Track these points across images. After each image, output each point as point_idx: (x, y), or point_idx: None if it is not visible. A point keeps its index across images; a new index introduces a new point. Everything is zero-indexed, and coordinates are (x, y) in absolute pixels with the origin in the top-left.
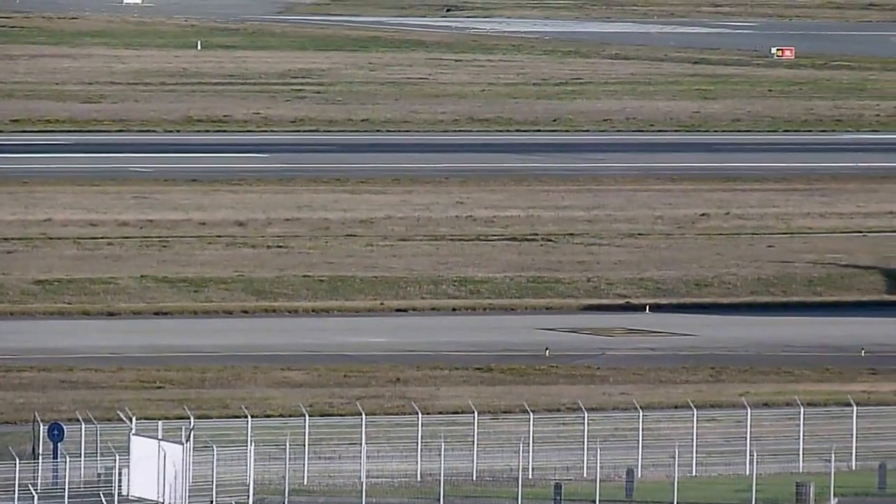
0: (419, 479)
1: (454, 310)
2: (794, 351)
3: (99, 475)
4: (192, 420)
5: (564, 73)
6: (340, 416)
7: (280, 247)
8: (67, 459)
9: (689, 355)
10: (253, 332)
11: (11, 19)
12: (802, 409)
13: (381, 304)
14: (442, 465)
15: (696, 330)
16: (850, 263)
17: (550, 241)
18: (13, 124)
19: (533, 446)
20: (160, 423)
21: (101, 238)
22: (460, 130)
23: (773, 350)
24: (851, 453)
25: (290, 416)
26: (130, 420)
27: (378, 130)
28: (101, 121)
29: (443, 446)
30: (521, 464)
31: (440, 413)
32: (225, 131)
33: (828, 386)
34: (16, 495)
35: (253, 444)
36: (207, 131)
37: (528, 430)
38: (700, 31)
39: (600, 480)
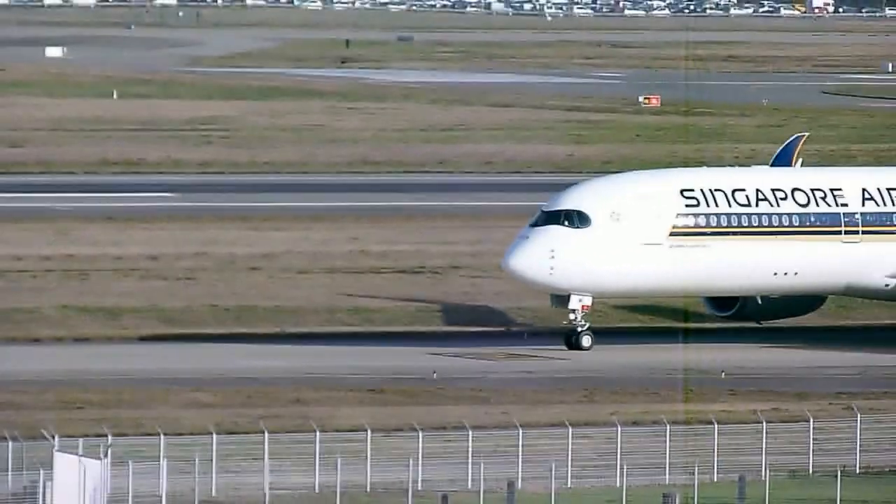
0: (317, 490)
1: (349, 336)
2: (659, 374)
3: (24, 488)
4: (109, 438)
5: (450, 119)
6: (245, 433)
7: (189, 279)
8: None
9: (565, 377)
10: (165, 357)
11: None
12: (668, 427)
13: (282, 331)
14: (338, 479)
15: (570, 354)
16: None
17: (437, 273)
18: None
19: (422, 461)
20: (81, 440)
21: (25, 271)
22: (355, 172)
23: (642, 373)
24: (713, 467)
25: (199, 434)
26: (53, 438)
27: (279, 172)
28: (26, 163)
29: (339, 461)
30: (410, 476)
31: (336, 431)
32: (139, 173)
33: (691, 405)
34: None
35: (165, 459)
36: (123, 173)
37: (418, 447)
38: (573, 80)
39: (484, 492)
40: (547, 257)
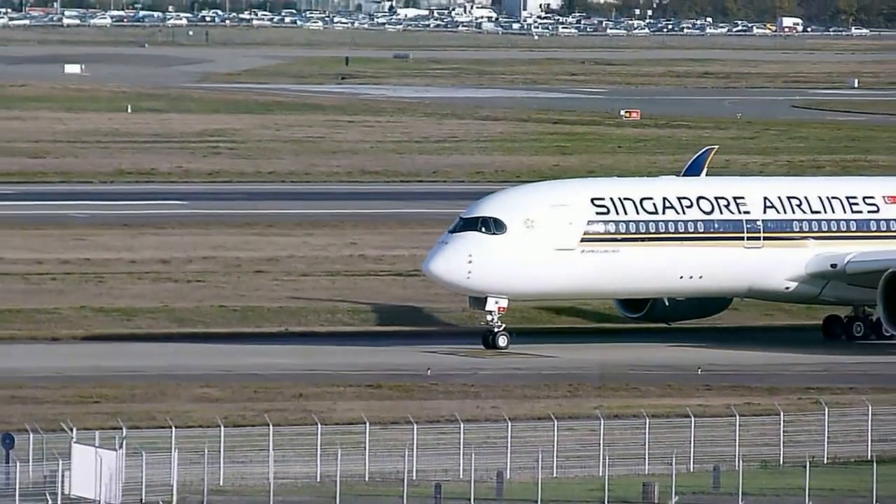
0: (318, 480)
1: (348, 335)
2: (640, 370)
3: (45, 477)
4: (124, 430)
5: (442, 132)
6: (251, 426)
7: (198, 281)
8: (17, 464)
9: (550, 374)
10: (175, 354)
11: None
12: (648, 420)
13: (285, 330)
14: (338, 469)
15: (555, 353)
16: None
17: None
18: None
19: (416, 452)
20: (97, 432)
21: (46, 274)
22: (353, 181)
23: (622, 369)
24: (690, 458)
25: (207, 426)
26: (71, 430)
27: (282, 181)
28: (46, 173)
29: (339, 452)
30: (406, 467)
31: (336, 424)
32: (151, 182)
33: (669, 400)
34: None
35: (176, 450)
36: (136, 182)
37: (413, 439)
38: (559, 96)
39: (474, 481)
40: (465, 262)
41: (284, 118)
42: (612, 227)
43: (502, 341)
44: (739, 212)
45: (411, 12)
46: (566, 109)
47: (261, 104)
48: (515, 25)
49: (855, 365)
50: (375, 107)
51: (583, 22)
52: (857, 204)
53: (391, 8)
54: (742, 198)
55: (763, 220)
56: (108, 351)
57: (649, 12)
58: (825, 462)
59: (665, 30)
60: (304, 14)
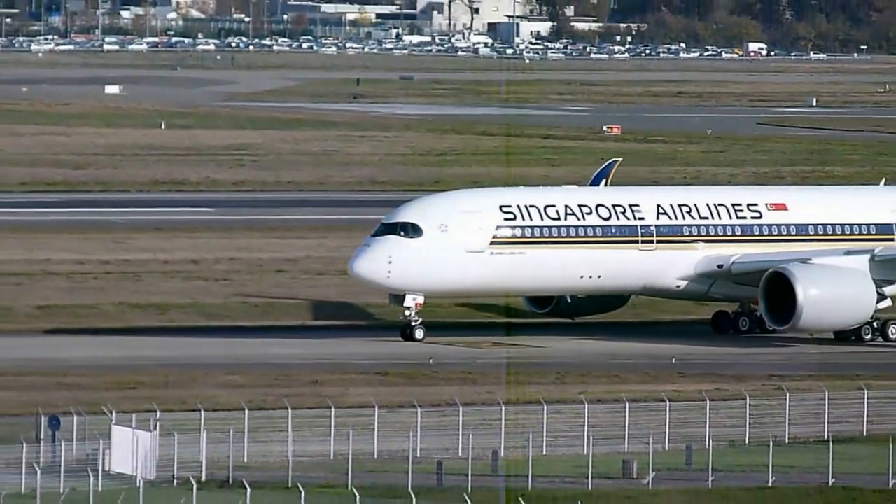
0: (332, 458)
1: (359, 328)
2: (620, 360)
3: (87, 455)
4: (158, 413)
5: (443, 145)
6: (271, 409)
7: (225, 279)
8: (63, 444)
9: (540, 362)
10: (204, 345)
11: (19, 105)
12: (627, 404)
13: (303, 323)
14: (350, 448)
15: (544, 343)
16: None
17: None
18: (21, 185)
19: (420, 433)
20: (134, 415)
21: (88, 273)
22: (364, 190)
23: (604, 359)
24: (665, 438)
25: (232, 410)
26: (111, 413)
27: (300, 190)
28: (88, 183)
29: (350, 433)
30: (410, 446)
31: (348, 407)
32: (182, 191)
33: (647, 386)
34: (23, 471)
35: (205, 431)
36: (169, 191)
37: (417, 421)
38: (547, 113)
39: (472, 459)
40: (385, 262)
41: (302, 133)
42: (518, 232)
43: (419, 333)
44: (635, 218)
45: (416, 39)
46: (554, 125)
47: (281, 121)
48: (509, 51)
49: (814, 355)
50: (384, 123)
51: (569, 47)
52: (741, 211)
53: (398, 35)
54: (637, 205)
55: (656, 226)
56: (144, 342)
57: (629, 39)
58: (786, 442)
59: (643, 54)
60: (319, 40)
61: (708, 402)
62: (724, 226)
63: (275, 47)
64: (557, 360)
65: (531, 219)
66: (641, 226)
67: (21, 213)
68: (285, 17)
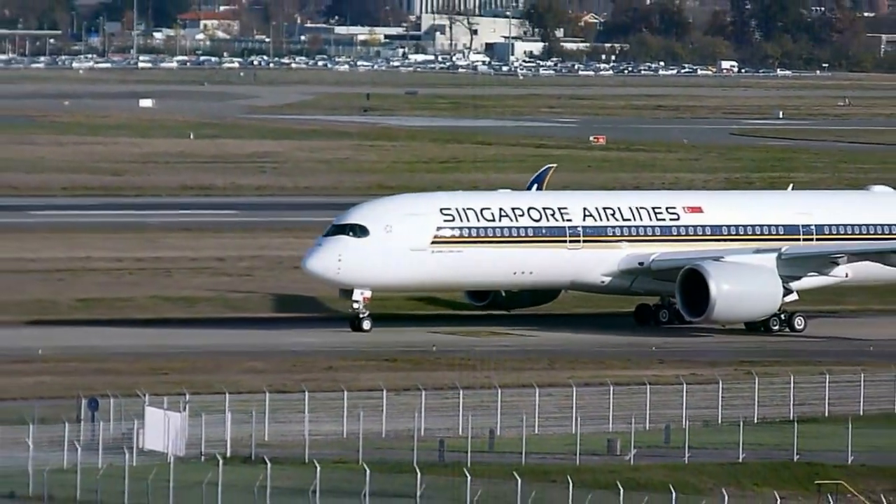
0: (345, 436)
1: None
2: (605, 347)
3: (123, 434)
4: (187, 396)
5: (445, 154)
6: (290, 392)
7: (248, 275)
8: (101, 423)
9: (533, 350)
10: (229, 335)
11: (62, 117)
12: (612, 388)
13: (318, 315)
14: (361, 427)
15: (536, 333)
16: None
17: None
18: (63, 190)
19: (424, 413)
20: (165, 398)
21: (124, 270)
22: (373, 194)
23: (590, 346)
24: (646, 418)
25: (254, 393)
26: (144, 396)
27: (316, 194)
28: (123, 188)
29: (361, 414)
30: (416, 425)
31: (359, 390)
32: (210, 195)
33: (629, 371)
34: (65, 448)
35: (229, 412)
36: (197, 195)
37: (421, 403)
38: (540, 124)
39: (471, 437)
40: (335, 260)
41: (317, 143)
42: (456, 232)
43: (366, 325)
44: (563, 220)
45: (420, 57)
46: (546, 136)
47: (298, 131)
48: (504, 68)
49: (778, 343)
50: (391, 133)
51: (559, 65)
52: (661, 213)
53: (404, 54)
54: (565, 208)
55: (582, 227)
56: (174, 332)
57: (613, 57)
58: (755, 422)
59: (626, 71)
60: (333, 59)
61: (685, 385)
62: (645, 227)
63: (293, 65)
64: (548, 348)
65: (469, 220)
66: (569, 227)
67: (63, 215)
68: (302, 37)
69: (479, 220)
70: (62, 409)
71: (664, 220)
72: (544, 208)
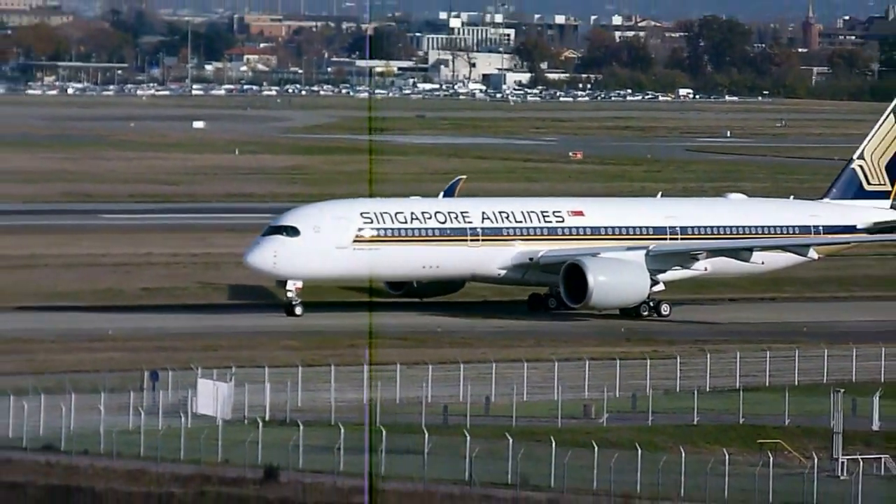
0: (365, 402)
1: (385, 304)
2: (581, 330)
3: (179, 401)
4: (233, 368)
5: (448, 166)
6: (318, 366)
7: None
8: (161, 392)
9: (522, 331)
10: (267, 316)
11: (128, 136)
12: (587, 362)
13: (342, 300)
14: (378, 395)
15: (524, 319)
16: None
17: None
18: (129, 197)
19: (431, 384)
20: (214, 370)
21: (179, 263)
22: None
23: (568, 329)
24: (616, 387)
25: (288, 366)
26: (197, 369)
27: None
28: (179, 196)
29: (378, 384)
30: (423, 393)
31: (377, 364)
32: (251, 202)
33: (602, 348)
34: (130, 413)
35: (268, 383)
36: (241, 202)
37: (428, 375)
38: (527, 142)
39: (470, 403)
40: (271, 256)
41: (341, 157)
42: (374, 232)
43: (298, 310)
44: (464, 222)
45: (427, 86)
46: (532, 151)
47: (325, 148)
48: (498, 95)
49: (731, 325)
50: (403, 150)
51: (543, 93)
52: (548, 216)
53: (414, 83)
54: (467, 212)
55: (481, 228)
56: (221, 316)
57: (589, 86)
58: (707, 390)
59: (599, 98)
60: (354, 87)
61: (648, 360)
62: (535, 228)
63: (321, 92)
64: (534, 330)
65: (385, 223)
66: (470, 228)
67: (129, 218)
68: (329, 69)
69: (393, 223)
70: (128, 380)
71: (551, 222)
72: (449, 212)
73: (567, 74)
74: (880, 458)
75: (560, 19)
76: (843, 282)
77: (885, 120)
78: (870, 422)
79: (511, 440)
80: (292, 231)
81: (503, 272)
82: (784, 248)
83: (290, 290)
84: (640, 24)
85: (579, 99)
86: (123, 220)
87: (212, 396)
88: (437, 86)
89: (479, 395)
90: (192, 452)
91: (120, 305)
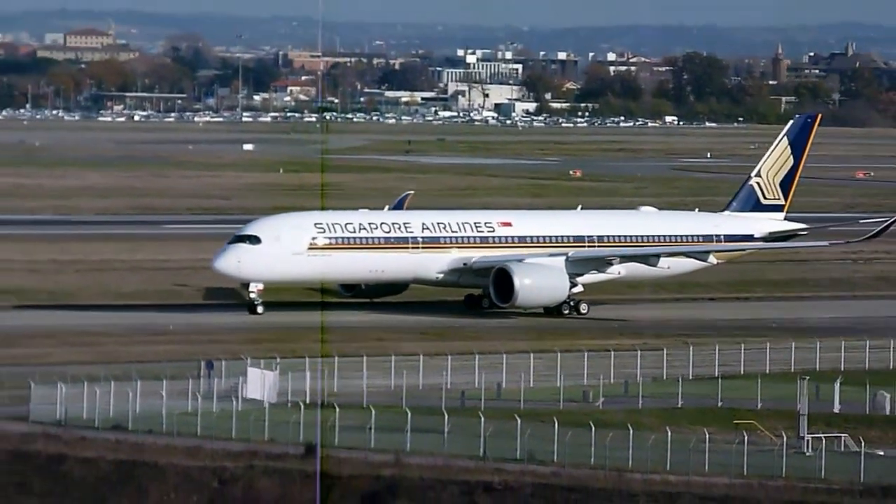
0: (392, 388)
1: (411, 303)
2: (584, 326)
3: (231, 387)
4: (278, 359)
5: (463, 183)
6: (352, 356)
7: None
8: (215, 379)
9: (528, 327)
10: (306, 315)
11: (187, 157)
12: (585, 353)
13: (371, 301)
14: (404, 382)
15: (533, 317)
16: None
17: None
18: (187, 210)
19: (450, 372)
20: (262, 360)
21: None
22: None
23: (571, 325)
24: (611, 375)
25: (326, 357)
26: (247, 359)
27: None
28: (231, 208)
29: (404, 373)
30: (444, 381)
31: (402, 355)
32: None
33: (598, 341)
34: (189, 398)
35: (308, 371)
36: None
37: (447, 364)
38: (533, 162)
39: (484, 388)
40: (235, 261)
41: (371, 175)
42: (326, 241)
43: (260, 309)
44: (406, 231)
45: (447, 113)
46: (537, 170)
47: (357, 167)
48: (508, 121)
49: (713, 320)
50: (425, 168)
51: (547, 119)
52: (480, 227)
53: (435, 111)
54: (409, 223)
55: (421, 237)
56: (268, 312)
57: (587, 113)
58: (690, 378)
59: (596, 123)
60: (383, 114)
61: (639, 351)
62: (469, 236)
63: (354, 119)
64: (538, 326)
65: (336, 232)
66: (410, 237)
67: (188, 228)
68: (361, 99)
69: (343, 232)
70: (186, 369)
71: (483, 231)
72: (392, 223)
73: (568, 103)
74: (840, 436)
75: (562, 55)
76: (745, 284)
77: (779, 142)
78: (831, 405)
79: (520, 421)
80: (254, 240)
81: (441, 276)
82: (687, 255)
83: (252, 292)
84: (631, 60)
85: (579, 125)
86: (182, 230)
87: (259, 383)
88: (455, 113)
89: (492, 381)
90: (242, 432)
91: (179, 304)
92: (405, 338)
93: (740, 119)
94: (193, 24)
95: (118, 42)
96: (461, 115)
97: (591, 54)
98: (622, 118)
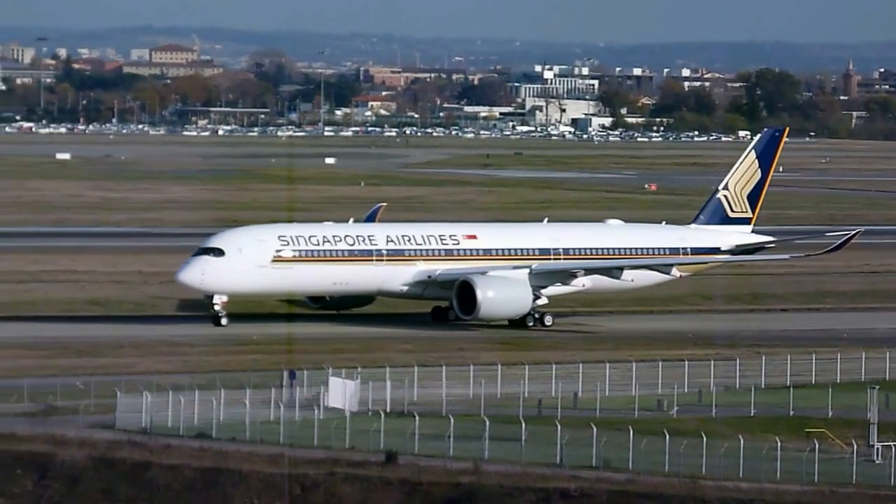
0: (471, 397)
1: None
2: (659, 336)
3: (314, 396)
4: (359, 368)
5: (540, 197)
6: (431, 366)
7: None
8: (297, 388)
9: (602, 337)
10: (387, 325)
11: (270, 170)
12: (660, 363)
13: (338, 312)
14: (482, 391)
15: (604, 324)
16: None
17: None
18: (268, 221)
19: (527, 381)
20: (343, 370)
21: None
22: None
23: (635, 334)
24: (685, 384)
25: (406, 366)
26: (328, 368)
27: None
28: (313, 220)
29: (482, 382)
30: (522, 390)
31: (481, 364)
32: None
33: (671, 351)
34: (272, 406)
35: (389, 380)
36: None
37: (525, 373)
38: (607, 175)
39: (560, 398)
40: (199, 274)
41: (451, 189)
42: (290, 253)
43: (224, 321)
44: (371, 244)
45: (524, 128)
46: (613, 184)
47: (437, 180)
48: (584, 136)
49: (785, 330)
50: (503, 182)
51: (623, 134)
52: (445, 239)
53: (513, 126)
54: (373, 235)
55: (386, 249)
56: (351, 324)
57: (662, 128)
58: (762, 387)
59: (670, 138)
60: (462, 129)
61: (712, 361)
62: (433, 249)
63: (434, 134)
64: (612, 335)
65: (300, 245)
66: (375, 250)
67: None
68: (441, 114)
69: (307, 245)
70: (269, 378)
71: (448, 244)
72: (357, 235)
73: (643, 118)
74: None
75: (637, 71)
76: (817, 295)
77: (746, 156)
78: None
79: (595, 429)
80: (218, 252)
81: (406, 288)
82: (650, 268)
83: (216, 304)
84: (705, 76)
85: (653, 139)
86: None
87: (341, 392)
88: (532, 128)
89: (568, 390)
90: (324, 440)
91: (262, 314)
92: (482, 348)
93: (811, 134)
94: (276, 41)
95: (202, 58)
96: (538, 129)
97: (665, 70)
98: (696, 133)
